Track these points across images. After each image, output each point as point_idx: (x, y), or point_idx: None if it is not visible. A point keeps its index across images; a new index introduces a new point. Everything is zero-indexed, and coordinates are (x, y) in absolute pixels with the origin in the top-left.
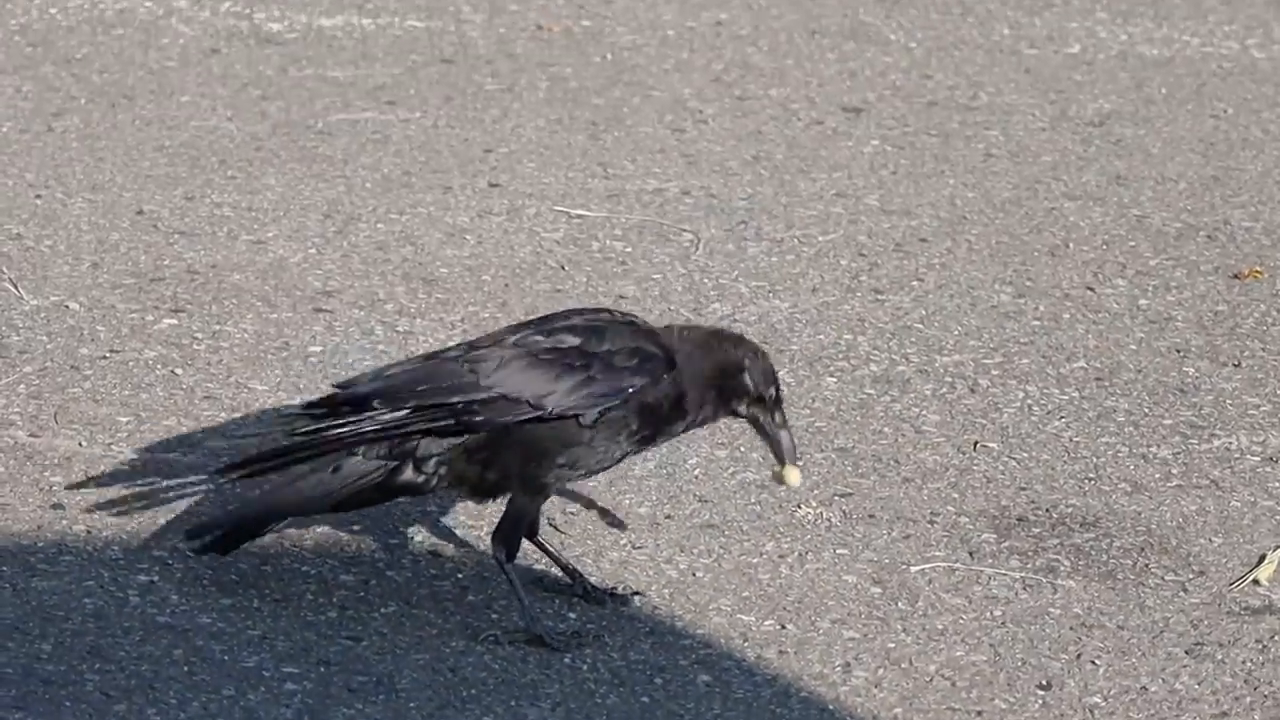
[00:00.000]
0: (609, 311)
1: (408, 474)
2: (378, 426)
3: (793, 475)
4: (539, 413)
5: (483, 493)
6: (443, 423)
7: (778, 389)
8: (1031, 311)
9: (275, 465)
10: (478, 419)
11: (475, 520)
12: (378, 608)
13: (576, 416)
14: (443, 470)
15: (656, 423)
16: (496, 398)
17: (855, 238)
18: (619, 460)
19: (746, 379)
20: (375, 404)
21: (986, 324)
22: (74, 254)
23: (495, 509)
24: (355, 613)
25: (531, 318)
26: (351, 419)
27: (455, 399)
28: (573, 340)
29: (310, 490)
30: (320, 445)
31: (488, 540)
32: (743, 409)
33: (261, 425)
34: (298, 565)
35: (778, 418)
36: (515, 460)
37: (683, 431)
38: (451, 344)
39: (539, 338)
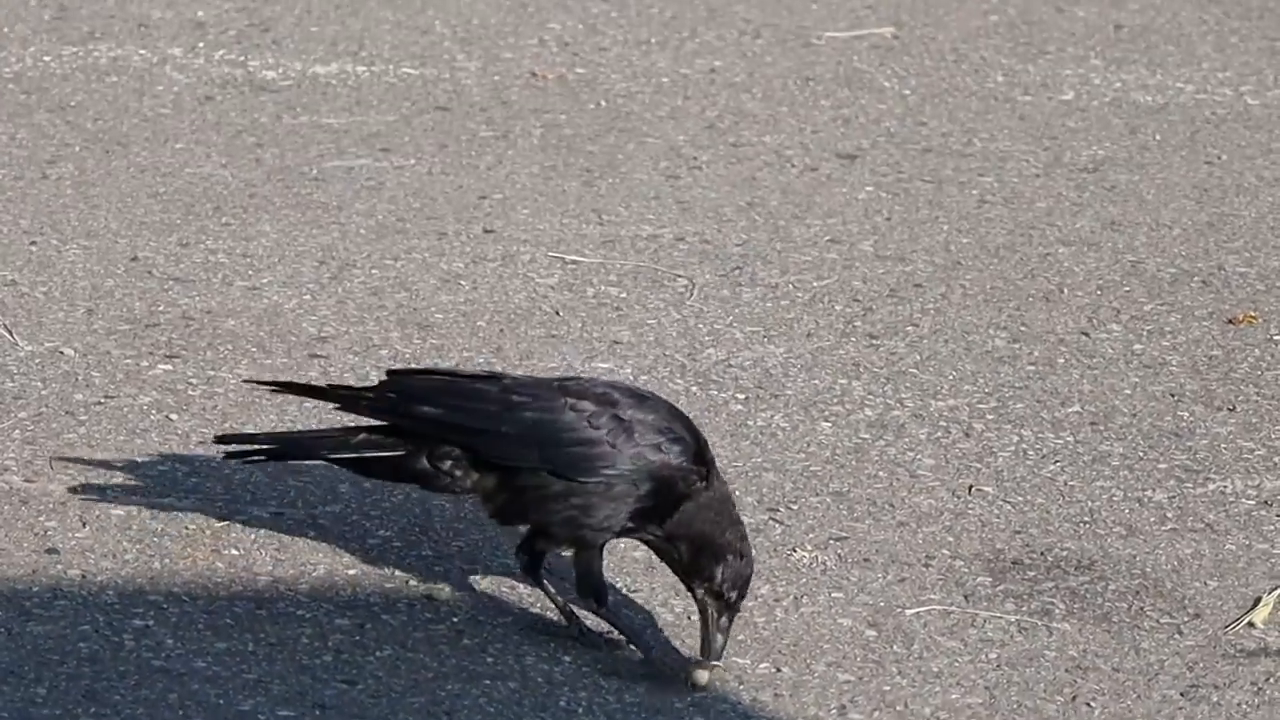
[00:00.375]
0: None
1: (422, 464)
2: (400, 419)
3: (702, 676)
4: (544, 466)
5: (496, 512)
6: (458, 439)
7: (740, 599)
8: (1026, 356)
9: (302, 394)
10: (487, 451)
11: (470, 564)
12: (373, 651)
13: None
14: (458, 473)
15: (659, 503)
16: (510, 436)
17: (850, 283)
18: (620, 527)
19: (718, 570)
20: (407, 401)
21: (981, 369)
22: (69, 300)
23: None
24: (351, 656)
25: (589, 375)
26: (382, 401)
27: (473, 424)
28: (612, 399)
29: (337, 438)
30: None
31: (483, 582)
32: (698, 590)
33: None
34: (293, 609)
35: (723, 621)
36: (523, 495)
37: (645, 539)
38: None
39: (583, 389)
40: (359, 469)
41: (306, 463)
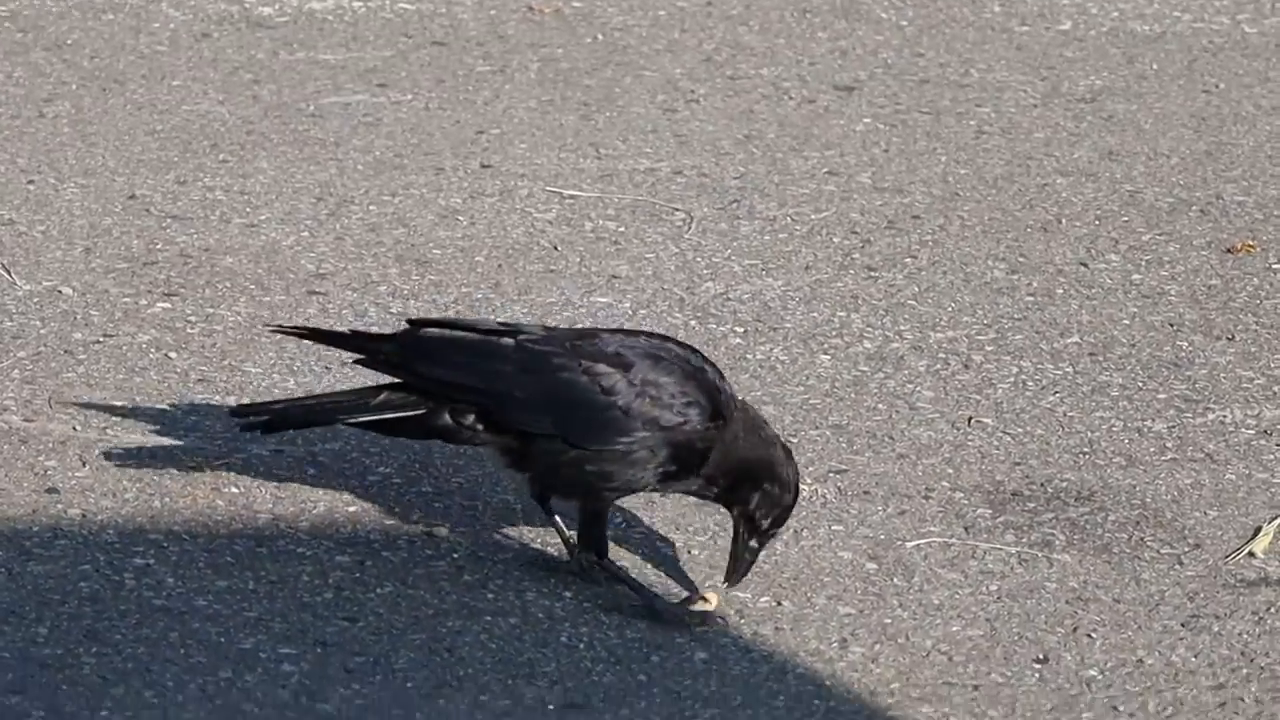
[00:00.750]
0: (691, 350)
1: (444, 419)
2: (415, 379)
3: (714, 597)
4: (558, 434)
5: (516, 463)
6: (472, 399)
7: (774, 525)
8: (1025, 287)
9: (320, 340)
10: (501, 413)
11: (470, 500)
12: (374, 588)
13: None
14: (480, 427)
15: (682, 465)
16: (523, 400)
17: (848, 215)
18: (647, 488)
19: (754, 497)
20: (422, 360)
21: (980, 300)
22: (67, 239)
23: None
24: (351, 593)
25: (619, 328)
26: (398, 356)
27: (486, 386)
28: (627, 362)
29: (357, 400)
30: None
31: (483, 518)
32: (734, 512)
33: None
34: (293, 547)
35: (753, 544)
36: (540, 457)
37: (685, 491)
38: (531, 324)
39: (600, 349)
40: (381, 430)
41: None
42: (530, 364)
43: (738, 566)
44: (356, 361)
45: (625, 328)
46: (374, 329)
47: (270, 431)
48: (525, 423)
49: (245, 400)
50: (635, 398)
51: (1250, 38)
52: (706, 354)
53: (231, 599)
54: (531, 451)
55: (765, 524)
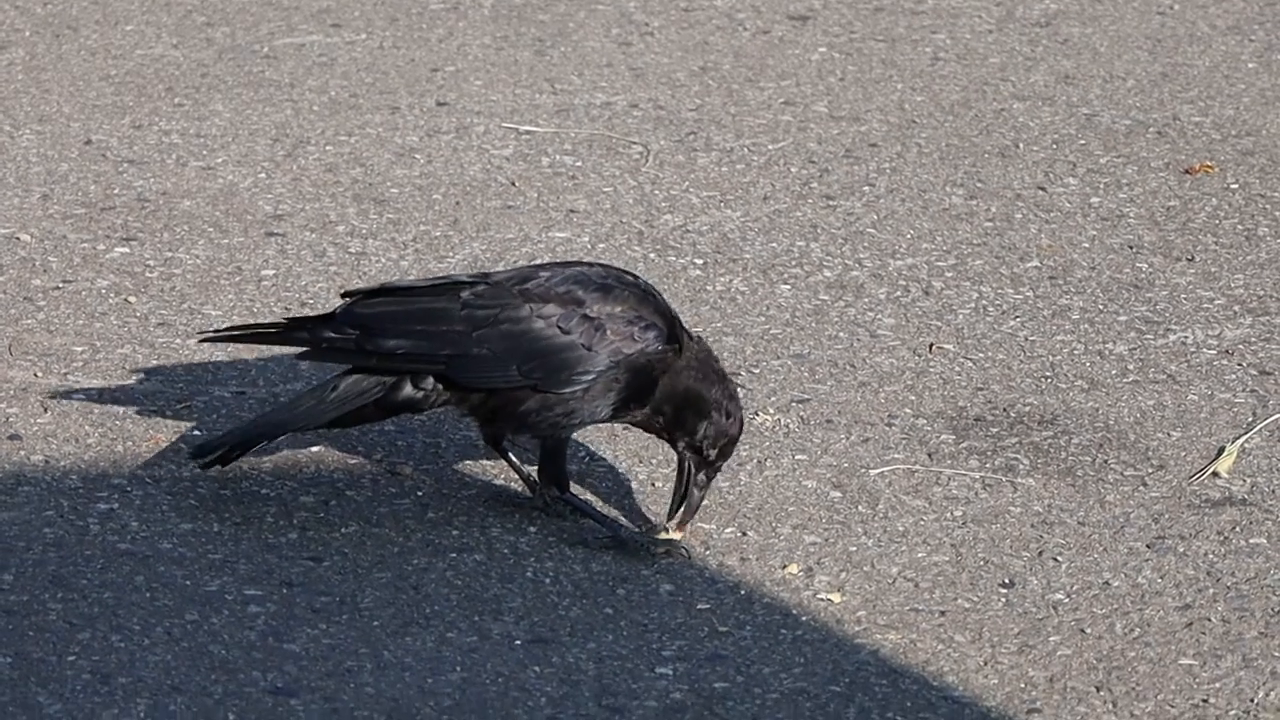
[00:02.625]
0: (625, 273)
1: (406, 390)
2: (369, 359)
3: (675, 533)
4: (525, 382)
5: (483, 417)
6: (432, 368)
7: (721, 459)
8: (983, 213)
9: (260, 340)
10: (465, 375)
11: (433, 438)
12: (338, 528)
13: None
14: (440, 386)
15: (635, 392)
16: (485, 357)
17: (805, 145)
18: (603, 419)
19: (701, 426)
20: (369, 337)
21: (939, 226)
22: (23, 186)
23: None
24: (316, 534)
25: (552, 262)
26: (345, 340)
27: (445, 351)
28: (578, 297)
29: (312, 407)
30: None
31: (447, 456)
32: (680, 446)
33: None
34: (257, 488)
35: (700, 478)
36: (509, 408)
37: (632, 422)
38: (467, 274)
39: (546, 289)
40: (349, 423)
41: (268, 348)
42: (483, 320)
43: (687, 505)
44: (301, 357)
45: (556, 261)
46: (306, 312)
47: (229, 462)
48: (491, 380)
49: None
50: (595, 331)
51: None
52: (664, 287)
53: (196, 542)
54: (497, 404)
55: (712, 454)
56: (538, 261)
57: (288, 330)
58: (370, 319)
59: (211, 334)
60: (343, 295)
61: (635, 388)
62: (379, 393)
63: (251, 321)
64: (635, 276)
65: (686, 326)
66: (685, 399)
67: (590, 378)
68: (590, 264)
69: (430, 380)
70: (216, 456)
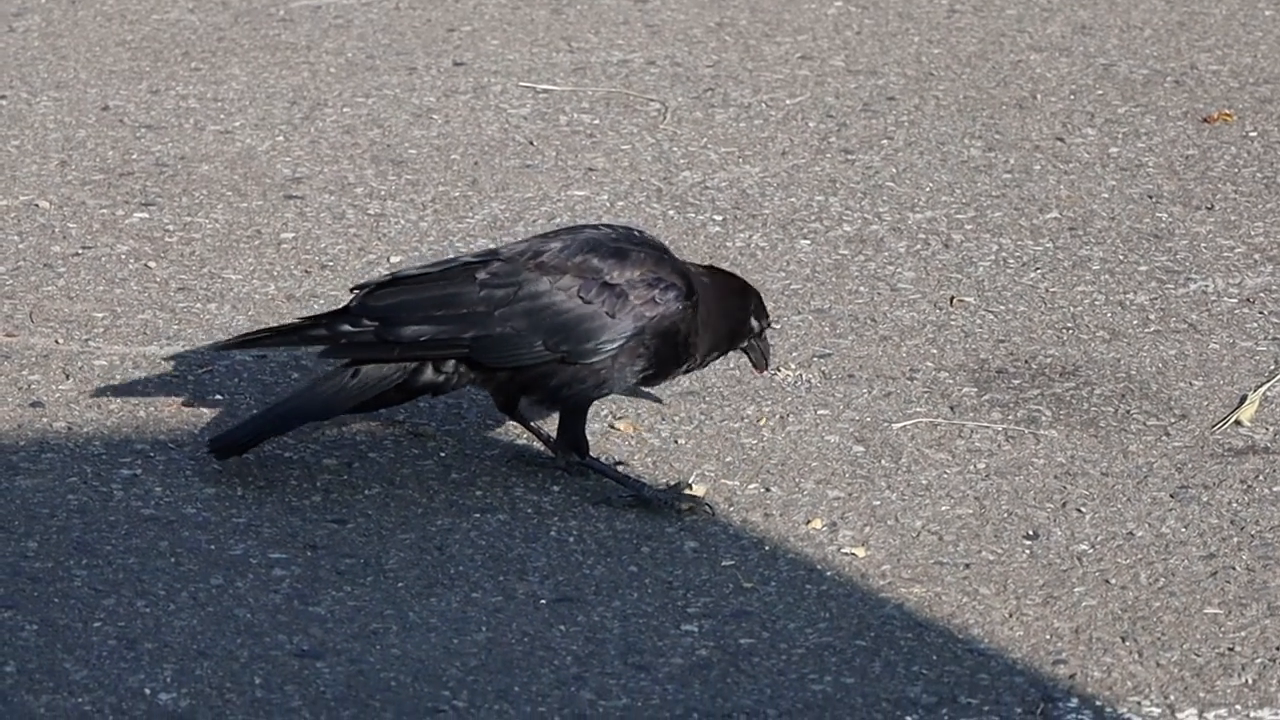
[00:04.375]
0: (632, 231)
1: (428, 375)
2: (391, 350)
3: (701, 488)
4: (553, 356)
5: (509, 393)
6: (456, 352)
7: (768, 318)
8: (1002, 165)
9: (277, 342)
10: (490, 356)
11: (455, 398)
12: (362, 490)
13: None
14: (463, 368)
15: (669, 352)
16: (509, 335)
17: (823, 99)
18: (632, 382)
19: (753, 322)
20: (389, 330)
21: (958, 179)
22: (42, 153)
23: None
24: (340, 496)
25: (558, 229)
26: (364, 334)
27: (467, 334)
28: (595, 265)
29: (331, 395)
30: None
31: (469, 417)
32: (743, 344)
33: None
34: (280, 451)
35: (763, 344)
36: (539, 383)
37: (683, 373)
38: (472, 252)
39: (562, 260)
40: (370, 408)
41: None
42: (503, 299)
43: (762, 358)
44: (323, 354)
45: (561, 228)
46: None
47: (247, 451)
48: (518, 358)
49: (222, 303)
50: (617, 298)
51: None
52: (684, 244)
53: (220, 506)
54: (526, 380)
55: (766, 325)
56: (545, 229)
57: (304, 329)
58: (387, 310)
59: (226, 342)
60: (352, 289)
61: (663, 350)
62: (400, 377)
63: (264, 326)
64: (641, 233)
65: (688, 262)
66: (726, 326)
67: (617, 344)
68: (595, 226)
69: (452, 363)
70: (237, 450)
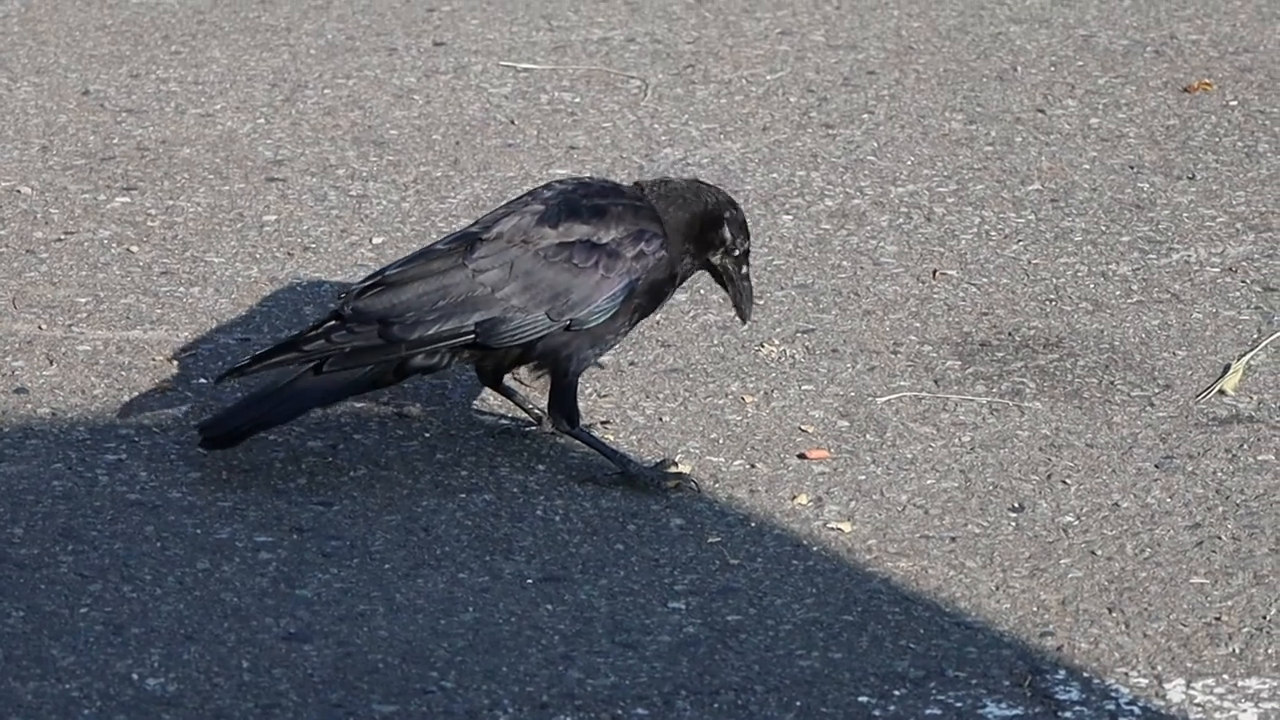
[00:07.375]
0: (589, 184)
1: (420, 359)
2: (399, 349)
3: (686, 465)
4: (557, 325)
5: (501, 367)
6: (464, 340)
7: (747, 241)
8: (983, 137)
9: (279, 363)
10: (498, 336)
11: (439, 379)
12: (347, 472)
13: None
14: (465, 351)
15: (660, 295)
16: (513, 313)
17: (803, 74)
18: (626, 333)
19: (725, 231)
20: (393, 330)
21: (939, 152)
22: (23, 138)
23: (467, 366)
24: (325, 478)
25: (520, 197)
26: (365, 336)
27: (472, 320)
28: (580, 230)
29: (325, 386)
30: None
31: (453, 397)
32: (716, 259)
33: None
34: (265, 434)
35: (744, 271)
36: (546, 355)
37: (670, 293)
38: (446, 237)
39: (545, 229)
40: (364, 390)
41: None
42: (500, 280)
43: (744, 299)
44: (332, 365)
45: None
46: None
47: (237, 442)
48: (524, 334)
49: (205, 287)
50: (609, 257)
51: None
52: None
53: (205, 490)
54: (531, 354)
55: (745, 246)
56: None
57: (301, 344)
58: (386, 311)
59: (228, 371)
60: (338, 297)
61: (652, 296)
62: (395, 364)
63: (261, 351)
64: (606, 183)
65: (639, 182)
66: (694, 229)
67: (617, 301)
68: (559, 185)
69: (444, 344)
70: (230, 439)
